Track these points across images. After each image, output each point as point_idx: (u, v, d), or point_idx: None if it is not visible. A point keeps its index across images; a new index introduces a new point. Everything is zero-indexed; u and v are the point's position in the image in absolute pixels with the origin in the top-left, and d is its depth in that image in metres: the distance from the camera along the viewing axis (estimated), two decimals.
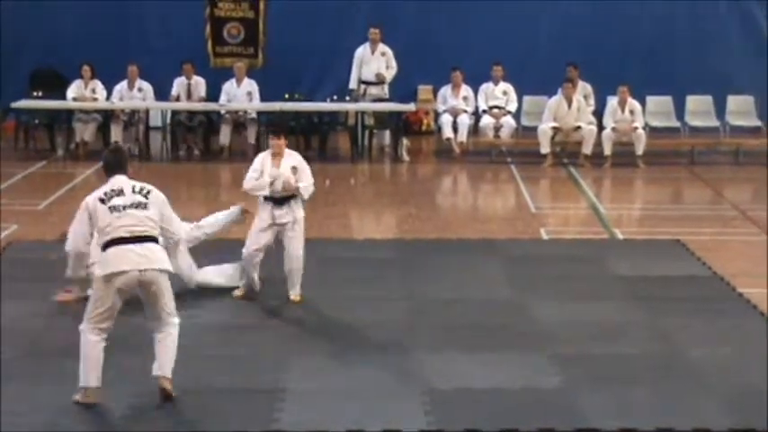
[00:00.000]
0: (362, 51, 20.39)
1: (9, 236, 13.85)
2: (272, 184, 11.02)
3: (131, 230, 8.60)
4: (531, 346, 10.02)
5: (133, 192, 8.72)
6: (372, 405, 8.68)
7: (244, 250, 11.21)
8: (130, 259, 8.56)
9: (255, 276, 11.32)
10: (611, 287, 11.94)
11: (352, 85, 20.48)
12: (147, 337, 9.70)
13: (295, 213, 11.15)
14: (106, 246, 8.61)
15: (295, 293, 11.27)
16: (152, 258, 8.62)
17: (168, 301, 8.77)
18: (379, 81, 20.32)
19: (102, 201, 8.65)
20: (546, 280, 12.07)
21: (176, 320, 8.84)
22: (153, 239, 8.71)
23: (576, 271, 12.46)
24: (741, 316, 10.92)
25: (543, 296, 11.48)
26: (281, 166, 11.03)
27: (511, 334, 10.36)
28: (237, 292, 11.38)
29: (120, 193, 8.68)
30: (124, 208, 8.62)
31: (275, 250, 11.35)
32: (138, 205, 8.66)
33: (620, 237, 14.45)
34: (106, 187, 8.74)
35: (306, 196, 11.19)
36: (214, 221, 11.76)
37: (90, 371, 8.61)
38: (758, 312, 10.96)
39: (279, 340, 10.16)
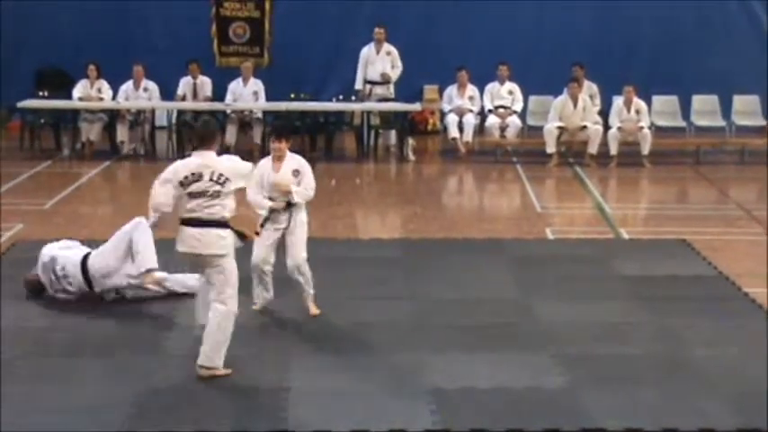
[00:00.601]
0: (367, 51, 20.40)
1: (14, 235, 13.86)
2: (271, 199, 10.65)
3: (198, 215, 9.00)
4: (535, 345, 10.01)
5: (211, 179, 9.00)
6: (377, 405, 8.67)
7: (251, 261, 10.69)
8: (187, 242, 9.07)
9: (265, 292, 10.83)
10: (616, 287, 11.93)
11: (358, 85, 20.48)
12: (148, 336, 9.75)
13: (296, 217, 10.71)
14: (180, 222, 9.16)
15: (314, 308, 10.83)
16: (205, 243, 9.04)
17: (220, 284, 9.11)
18: (385, 81, 20.34)
19: (182, 184, 9.02)
20: (551, 280, 12.06)
21: (222, 307, 9.12)
22: (218, 224, 9.05)
23: (582, 271, 12.45)
24: (746, 316, 10.90)
25: (548, 296, 11.47)
26: (282, 170, 10.66)
27: (516, 334, 10.35)
28: (255, 306, 10.84)
29: (199, 178, 8.99)
30: (197, 195, 9.00)
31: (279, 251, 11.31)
32: (212, 195, 9.00)
33: (626, 236, 14.44)
34: (189, 167, 9.07)
35: (298, 200, 10.67)
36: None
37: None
38: (763, 312, 10.93)
39: (283, 339, 10.15)
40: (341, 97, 20.85)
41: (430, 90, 22.21)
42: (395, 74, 20.39)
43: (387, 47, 20.39)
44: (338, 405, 8.66)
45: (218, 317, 9.11)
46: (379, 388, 9.02)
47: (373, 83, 20.41)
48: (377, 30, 20.38)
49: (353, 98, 20.56)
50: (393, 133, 20.52)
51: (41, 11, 21.99)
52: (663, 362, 9.68)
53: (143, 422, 8.30)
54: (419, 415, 8.47)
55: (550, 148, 19.51)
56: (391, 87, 20.45)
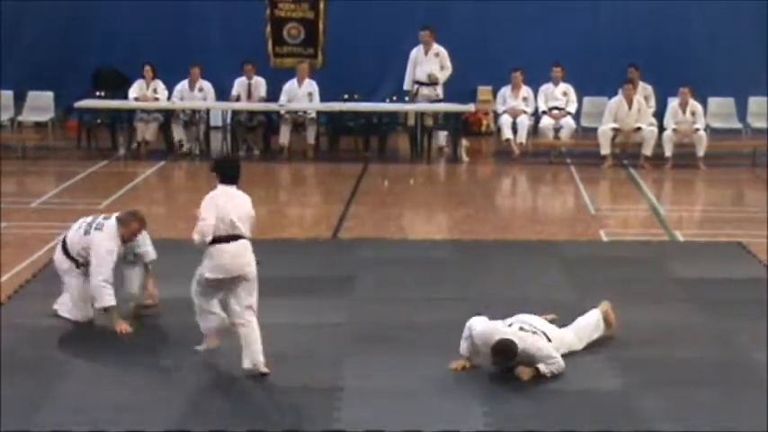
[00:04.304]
0: (416, 52, 20.37)
1: None
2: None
3: None
4: (590, 348, 9.96)
5: None
6: (431, 405, 8.69)
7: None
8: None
9: None
10: (670, 290, 11.87)
11: (406, 86, 20.48)
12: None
13: None
14: None
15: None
16: None
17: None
18: (432, 82, 20.27)
19: None
20: (605, 282, 12.00)
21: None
22: None
23: (636, 273, 12.40)
24: None
25: (602, 298, 11.36)
26: None
27: None
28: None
29: None
30: None
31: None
32: None
33: (681, 239, 14.36)
34: None
35: None
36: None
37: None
38: None
39: (337, 339, 10.18)
40: (394, 98, 20.87)
41: (484, 91, 22.17)
42: (443, 75, 20.31)
43: (435, 48, 20.33)
44: (391, 405, 8.67)
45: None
46: (432, 389, 9.04)
47: (420, 83, 20.38)
48: (421, 33, 20.31)
49: (407, 99, 20.56)
50: (446, 134, 20.46)
51: (99, 12, 22.19)
52: (718, 365, 9.63)
53: (196, 421, 8.36)
54: (472, 416, 8.48)
55: (605, 150, 19.43)
56: (439, 88, 20.35)
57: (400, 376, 9.29)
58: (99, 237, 10.38)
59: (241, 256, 9.30)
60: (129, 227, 10.38)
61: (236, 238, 9.29)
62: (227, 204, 9.33)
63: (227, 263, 9.27)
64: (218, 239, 9.27)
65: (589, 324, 10.07)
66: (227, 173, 9.51)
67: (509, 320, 9.68)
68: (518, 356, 9.16)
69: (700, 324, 10.73)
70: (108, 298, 10.19)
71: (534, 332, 9.48)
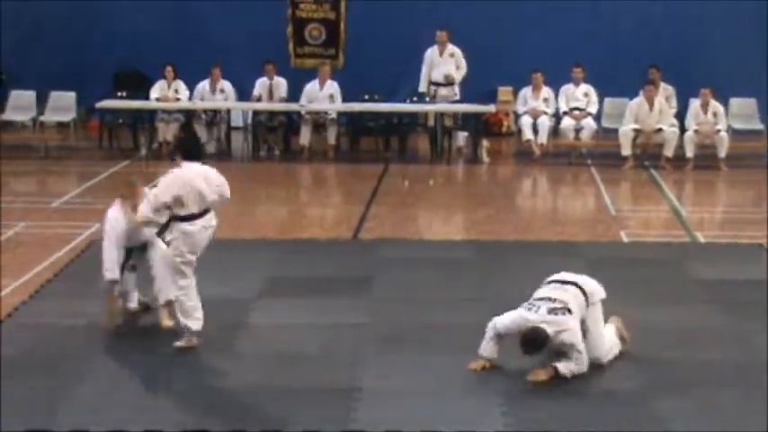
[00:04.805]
0: (431, 53, 20.38)
1: (92, 234, 14.01)
2: None
3: None
4: None
5: None
6: (449, 406, 8.68)
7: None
8: None
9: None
10: (691, 291, 11.84)
11: (422, 87, 20.49)
12: (220, 337, 9.81)
13: None
14: None
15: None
16: None
17: None
18: (449, 82, 20.26)
19: None
20: (626, 283, 11.94)
21: None
22: None
23: (657, 274, 12.37)
24: None
25: (623, 299, 11.35)
26: None
27: None
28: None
29: None
30: None
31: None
32: None
33: (702, 240, 14.31)
34: None
35: None
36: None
37: None
38: None
39: (355, 340, 10.18)
40: (415, 99, 20.86)
41: (504, 92, 22.14)
42: (459, 75, 20.31)
43: (450, 48, 20.33)
44: (409, 406, 8.67)
45: None
46: (451, 389, 9.03)
47: (437, 84, 20.37)
48: (438, 33, 20.34)
49: (427, 99, 20.55)
50: (467, 135, 20.43)
51: (120, 12, 22.25)
52: (738, 366, 9.59)
53: (214, 421, 8.36)
54: (490, 417, 8.47)
55: (625, 151, 19.38)
56: (456, 88, 20.37)
57: (418, 376, 9.29)
58: (108, 212, 10.61)
59: (207, 230, 9.82)
60: (125, 195, 10.46)
61: (207, 211, 9.80)
62: (197, 180, 9.80)
63: (201, 238, 9.78)
64: (192, 216, 9.72)
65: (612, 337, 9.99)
66: (191, 149, 10.14)
67: (537, 298, 9.57)
68: (548, 343, 9.13)
69: (720, 325, 10.69)
70: (107, 273, 10.29)
71: (564, 311, 9.33)
